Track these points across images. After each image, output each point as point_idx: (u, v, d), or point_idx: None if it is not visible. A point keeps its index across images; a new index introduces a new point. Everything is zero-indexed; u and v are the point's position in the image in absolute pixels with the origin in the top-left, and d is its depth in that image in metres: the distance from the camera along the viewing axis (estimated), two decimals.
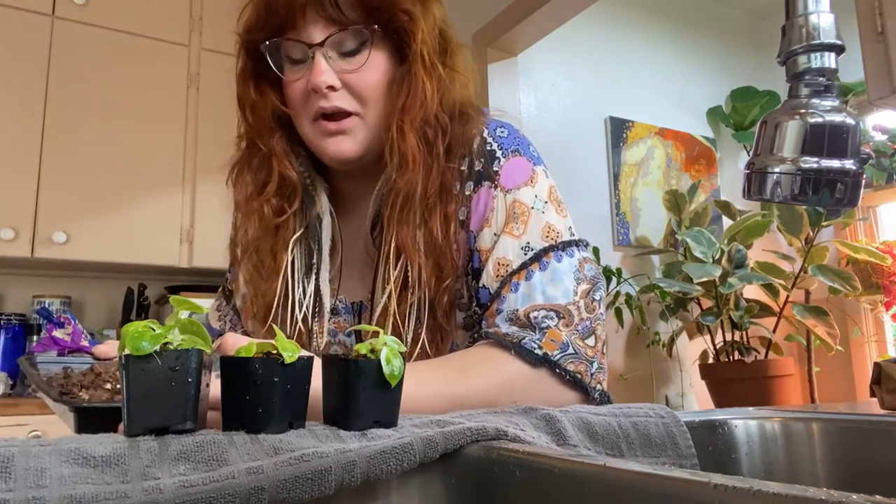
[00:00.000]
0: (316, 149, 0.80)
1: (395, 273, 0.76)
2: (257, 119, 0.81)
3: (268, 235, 0.83)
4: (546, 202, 0.79)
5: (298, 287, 0.82)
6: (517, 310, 0.73)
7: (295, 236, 0.82)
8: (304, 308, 0.81)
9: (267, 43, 0.77)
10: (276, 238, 0.83)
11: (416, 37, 0.75)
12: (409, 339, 0.76)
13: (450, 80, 0.80)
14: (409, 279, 0.76)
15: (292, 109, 0.79)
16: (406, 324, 0.76)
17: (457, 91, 0.81)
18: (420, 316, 0.76)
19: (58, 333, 2.31)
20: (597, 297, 0.76)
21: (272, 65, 0.78)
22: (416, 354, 0.75)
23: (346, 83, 0.76)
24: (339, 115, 0.77)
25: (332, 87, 0.75)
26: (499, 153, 0.80)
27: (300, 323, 0.81)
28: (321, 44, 0.74)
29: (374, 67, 0.76)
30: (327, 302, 0.83)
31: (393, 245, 0.77)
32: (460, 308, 0.80)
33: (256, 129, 0.82)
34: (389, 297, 0.76)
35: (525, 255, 0.75)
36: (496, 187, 0.78)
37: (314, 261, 0.83)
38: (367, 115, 0.78)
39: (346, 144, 0.77)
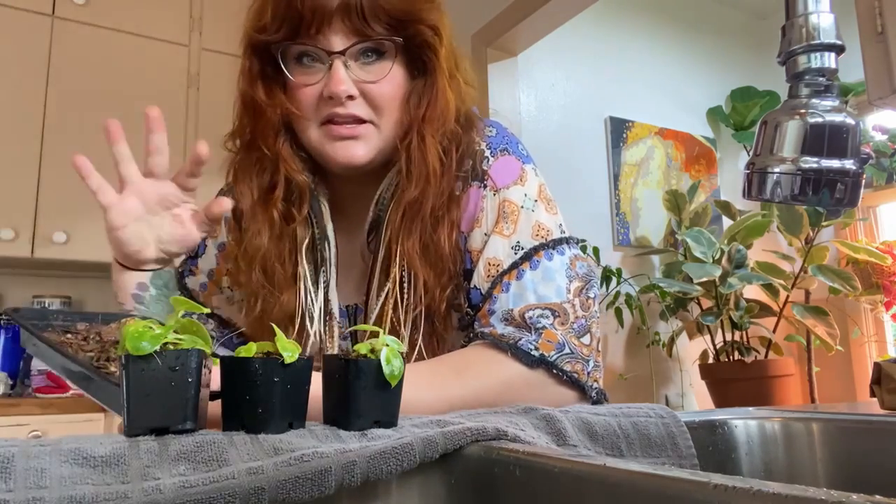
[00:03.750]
0: (322, 154, 0.77)
1: (391, 279, 0.75)
2: (264, 121, 0.78)
3: (275, 242, 0.79)
4: (536, 201, 0.78)
5: (309, 297, 0.79)
6: (512, 309, 0.72)
7: (306, 243, 0.79)
8: (321, 317, 0.79)
9: (281, 45, 0.75)
10: (284, 245, 0.79)
11: (440, 51, 0.76)
12: (406, 346, 0.75)
13: (462, 90, 0.81)
14: (406, 286, 0.75)
15: (300, 113, 0.76)
16: (402, 330, 0.75)
17: (466, 100, 0.82)
18: (417, 322, 0.76)
19: None
20: (591, 295, 0.76)
21: (284, 68, 0.76)
22: (413, 360, 0.75)
23: (363, 92, 0.75)
24: (353, 119, 0.75)
25: (350, 97, 0.74)
26: (487, 152, 0.80)
27: (320, 332, 0.78)
28: (342, 52, 0.73)
29: (392, 79, 0.76)
30: (336, 309, 0.82)
31: (387, 251, 0.76)
32: (455, 309, 0.80)
33: (262, 132, 0.78)
34: (385, 303, 0.75)
35: (515, 254, 0.75)
36: (485, 187, 0.78)
37: (322, 269, 0.81)
38: (382, 125, 0.76)
39: (358, 150, 0.75)
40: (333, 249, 0.81)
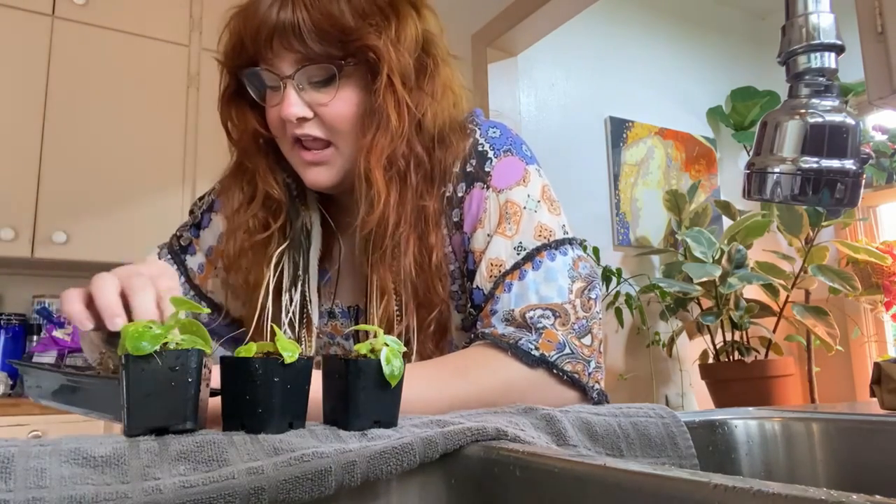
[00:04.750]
0: (298, 172, 0.81)
1: (381, 308, 0.76)
2: (239, 139, 0.83)
3: (253, 248, 0.83)
4: (539, 201, 0.78)
5: (285, 296, 0.82)
6: (513, 310, 0.72)
7: (278, 250, 0.82)
8: (290, 315, 0.81)
9: (245, 70, 0.77)
10: (261, 251, 0.83)
11: (383, 71, 0.74)
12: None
13: (427, 105, 0.78)
14: (392, 311, 0.76)
15: (273, 131, 0.80)
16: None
17: (437, 114, 0.79)
18: (409, 341, 0.76)
19: (58, 333, 2.31)
20: (593, 296, 0.76)
21: (251, 91, 0.79)
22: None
23: (317, 114, 0.76)
24: (316, 143, 0.77)
25: (303, 119, 0.75)
26: (490, 153, 0.80)
27: (286, 328, 0.81)
28: (291, 76, 0.74)
29: (344, 99, 0.76)
30: (315, 312, 0.83)
31: (376, 280, 0.77)
32: (458, 310, 0.80)
33: (240, 148, 0.84)
34: (383, 311, 0.76)
35: (518, 254, 0.75)
36: (488, 188, 0.78)
37: (300, 272, 0.83)
38: (341, 145, 0.77)
39: (322, 175, 0.78)
40: (316, 249, 0.83)
